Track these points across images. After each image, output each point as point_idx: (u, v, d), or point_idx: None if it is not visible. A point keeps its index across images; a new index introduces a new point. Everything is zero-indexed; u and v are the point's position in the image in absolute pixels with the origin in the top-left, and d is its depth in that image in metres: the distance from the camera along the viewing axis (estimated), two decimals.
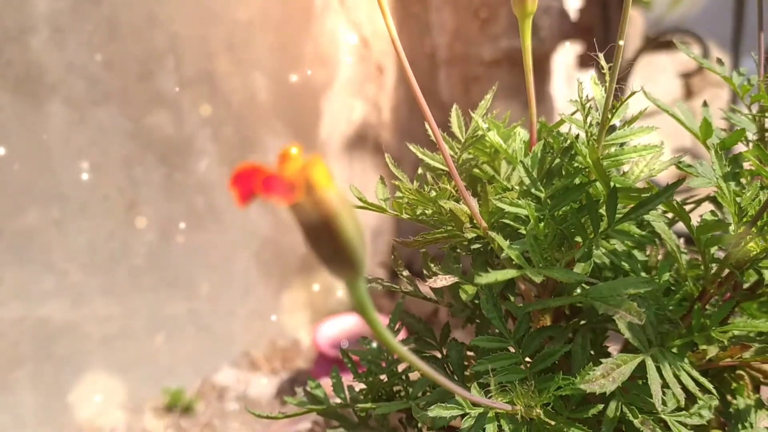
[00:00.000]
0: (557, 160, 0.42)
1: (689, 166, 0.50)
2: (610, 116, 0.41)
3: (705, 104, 0.57)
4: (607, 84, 0.39)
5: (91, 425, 1.63)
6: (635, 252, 0.47)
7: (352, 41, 2.00)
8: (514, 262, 0.39)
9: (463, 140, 0.53)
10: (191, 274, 1.78)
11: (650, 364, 0.39)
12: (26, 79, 1.42)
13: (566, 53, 2.44)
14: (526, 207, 0.40)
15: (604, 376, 0.38)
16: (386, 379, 0.56)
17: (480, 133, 0.51)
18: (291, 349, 2.01)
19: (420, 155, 0.55)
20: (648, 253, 0.49)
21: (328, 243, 0.28)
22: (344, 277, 0.32)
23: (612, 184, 0.39)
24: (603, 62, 0.52)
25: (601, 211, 0.40)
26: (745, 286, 0.48)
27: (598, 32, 2.22)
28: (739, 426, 0.47)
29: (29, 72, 1.42)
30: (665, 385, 0.38)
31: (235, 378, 1.85)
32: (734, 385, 0.53)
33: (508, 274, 0.37)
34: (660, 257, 0.49)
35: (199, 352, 1.83)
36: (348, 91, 2.03)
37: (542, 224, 0.40)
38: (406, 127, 2.21)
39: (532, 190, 0.42)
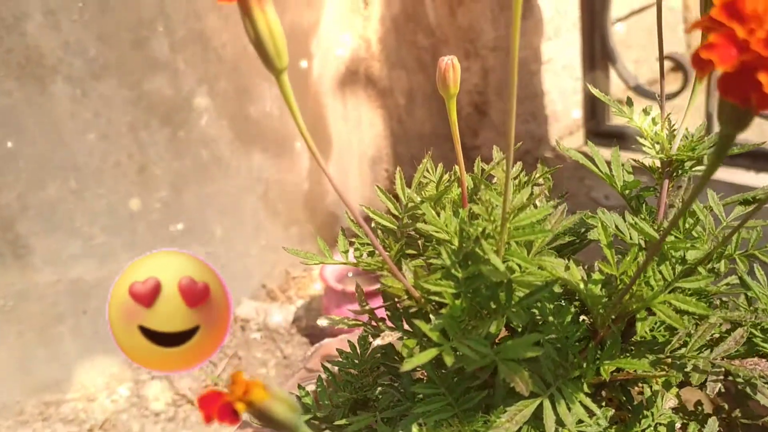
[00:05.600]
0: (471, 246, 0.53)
1: (592, 216, 0.60)
2: (509, 215, 0.51)
3: (615, 144, 0.66)
4: (504, 192, 0.48)
5: (130, 365, 1.82)
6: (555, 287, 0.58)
7: None
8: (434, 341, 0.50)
9: (405, 203, 0.63)
10: (205, 221, 1.91)
11: (546, 404, 0.52)
12: (28, 64, 1.50)
13: None
14: (445, 289, 0.52)
15: (509, 421, 0.51)
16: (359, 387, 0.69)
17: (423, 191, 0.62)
18: (303, 277, 2.18)
19: (370, 215, 0.65)
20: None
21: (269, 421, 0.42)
22: None
23: (508, 276, 0.50)
24: None
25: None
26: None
27: None
28: (639, 416, 0.61)
29: (29, 56, 1.50)
30: (560, 422, 0.51)
31: (254, 310, 2.02)
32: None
33: (429, 354, 0.49)
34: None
35: None
36: (336, 28, 2.08)
37: (459, 300, 0.52)
38: (394, 55, 2.26)
39: (452, 271, 0.53)
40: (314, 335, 2.00)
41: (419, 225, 0.60)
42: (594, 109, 2.56)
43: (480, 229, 0.52)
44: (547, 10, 2.53)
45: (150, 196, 1.76)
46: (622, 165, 0.65)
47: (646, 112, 0.66)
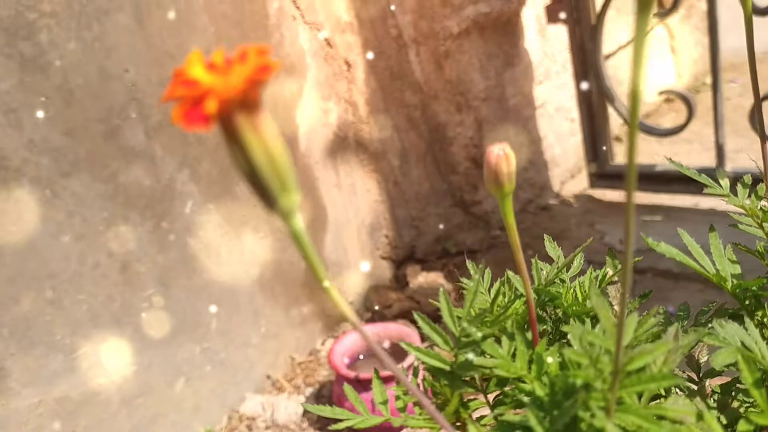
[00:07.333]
0: (571, 408, 0.38)
1: (710, 334, 0.45)
2: (626, 361, 0.36)
3: (712, 228, 0.53)
4: (618, 324, 0.34)
5: None
6: None
7: (314, 43, 1.92)
8: None
9: (457, 335, 0.48)
10: (198, 315, 1.76)
11: None
12: None
13: (536, 5, 2.35)
14: None
15: None
16: None
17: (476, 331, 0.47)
18: (310, 362, 2.01)
19: (413, 353, 0.51)
20: None
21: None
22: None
23: None
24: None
25: None
26: None
27: None
28: None
29: None
30: None
31: (260, 405, 1.85)
32: None
33: None
34: None
35: (221, 387, 1.83)
36: (320, 95, 1.96)
37: None
38: (383, 116, 2.15)
39: None
40: (327, 426, 1.82)
41: (479, 361, 0.46)
42: (595, 150, 2.45)
43: (580, 382, 0.38)
44: (535, 54, 2.44)
45: (135, 296, 1.61)
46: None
47: (744, 184, 0.52)
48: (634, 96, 0.37)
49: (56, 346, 1.50)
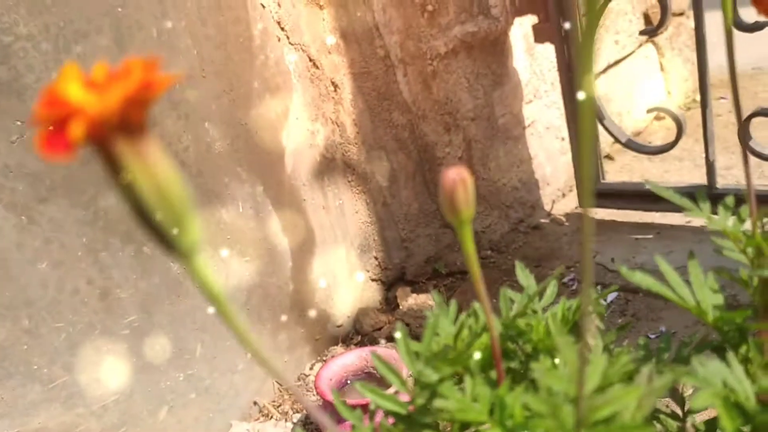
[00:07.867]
0: None
1: (688, 374, 0.43)
2: (589, 411, 0.33)
3: (692, 255, 0.50)
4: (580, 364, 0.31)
5: None
6: None
7: (300, 65, 1.90)
8: None
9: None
10: (182, 341, 1.72)
11: None
12: None
13: (523, 24, 2.34)
14: None
15: None
16: None
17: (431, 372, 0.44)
18: (298, 386, 1.97)
19: (370, 395, 0.47)
20: None
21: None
22: None
23: None
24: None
25: None
26: None
27: (551, 3, 2.13)
28: None
29: None
30: None
31: None
32: None
33: None
34: None
35: (206, 415, 1.79)
36: (306, 116, 1.94)
37: None
38: (371, 136, 2.13)
39: None
40: None
41: (439, 404, 0.43)
42: None
43: None
44: (523, 73, 2.43)
45: (116, 323, 1.57)
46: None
47: (726, 206, 0.49)
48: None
49: (33, 375, 1.46)
